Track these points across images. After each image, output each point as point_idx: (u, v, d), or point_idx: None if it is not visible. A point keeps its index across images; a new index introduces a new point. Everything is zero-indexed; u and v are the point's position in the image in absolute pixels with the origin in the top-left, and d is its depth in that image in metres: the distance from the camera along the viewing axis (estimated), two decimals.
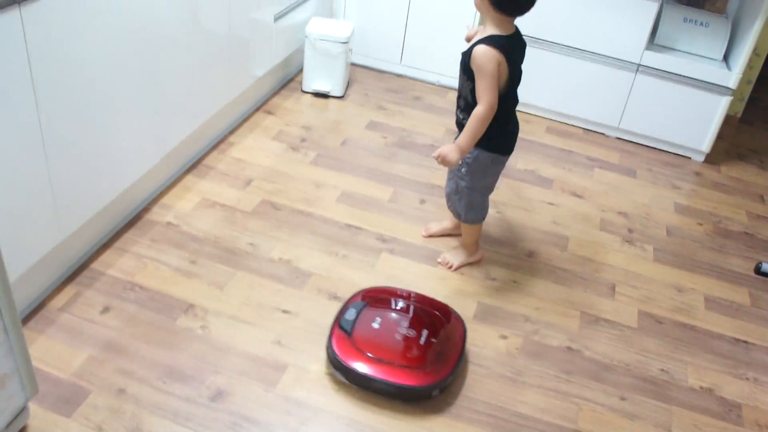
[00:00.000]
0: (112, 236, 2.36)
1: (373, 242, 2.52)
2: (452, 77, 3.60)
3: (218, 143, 2.93)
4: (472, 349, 2.15)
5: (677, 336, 2.34)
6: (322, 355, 2.06)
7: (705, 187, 3.22)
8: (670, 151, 3.43)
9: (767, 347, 2.35)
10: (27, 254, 1.92)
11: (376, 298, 2.16)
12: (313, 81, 3.38)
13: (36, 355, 1.89)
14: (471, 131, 2.11)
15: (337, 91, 3.40)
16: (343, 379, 1.98)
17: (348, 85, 3.52)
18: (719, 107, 3.24)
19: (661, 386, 2.14)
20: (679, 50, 3.31)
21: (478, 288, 2.40)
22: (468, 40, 2.19)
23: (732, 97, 3.22)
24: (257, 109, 3.22)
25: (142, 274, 2.24)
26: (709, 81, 3.20)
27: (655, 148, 3.44)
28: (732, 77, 3.16)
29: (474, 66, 2.07)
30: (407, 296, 2.19)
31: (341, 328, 2.03)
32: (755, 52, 3.62)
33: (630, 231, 2.81)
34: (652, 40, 3.31)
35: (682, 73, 3.22)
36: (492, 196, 2.41)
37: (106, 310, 2.09)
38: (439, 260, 2.50)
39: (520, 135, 2.32)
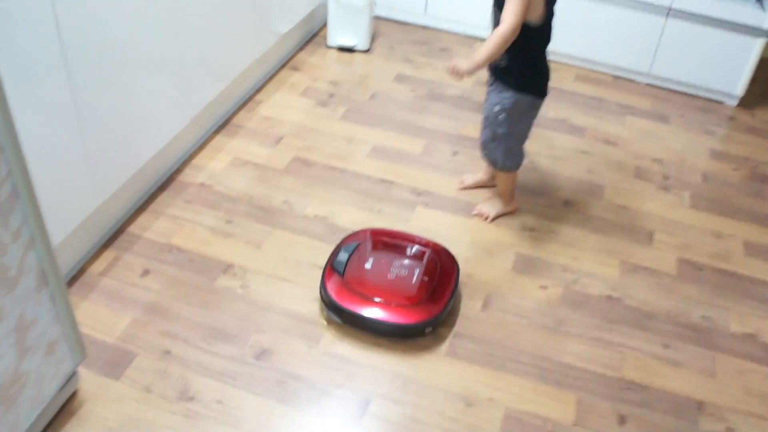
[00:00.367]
0: (147, 199, 2.35)
1: (407, 196, 2.50)
2: (478, 27, 3.55)
3: (246, 102, 2.90)
4: (512, 300, 2.14)
5: (717, 282, 2.31)
6: None
7: (739, 131, 3.16)
8: (702, 96, 3.37)
9: None
10: (66, 221, 1.92)
11: (369, 239, 2.16)
12: (338, 36, 3.33)
13: (81, 321, 1.88)
14: (488, 47, 2.00)
15: (362, 45, 3.35)
16: (337, 320, 1.99)
17: (373, 39, 3.47)
18: (753, 50, 3.16)
19: (703, 333, 2.12)
20: None
21: (515, 239, 2.37)
22: None
23: (767, 39, 3.14)
24: (283, 66, 3.18)
25: (178, 235, 2.23)
26: (743, 23, 3.12)
27: (687, 94, 3.38)
28: (767, 18, 3.08)
29: None
30: (400, 236, 2.19)
31: (334, 269, 2.04)
32: None
33: (665, 178, 2.77)
34: None
35: (715, 16, 3.13)
36: (525, 146, 2.37)
37: (146, 273, 2.09)
38: (475, 212, 2.47)
39: (551, 85, 2.27)
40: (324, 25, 3.53)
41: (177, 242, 2.21)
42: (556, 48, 3.37)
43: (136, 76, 2.07)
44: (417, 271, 2.06)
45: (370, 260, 2.08)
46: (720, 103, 3.35)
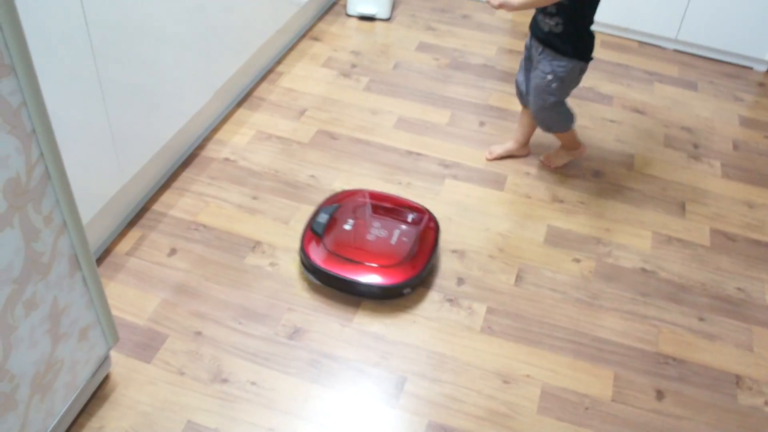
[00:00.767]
0: (170, 176, 2.31)
1: (435, 168, 2.46)
2: None
3: (267, 74, 2.85)
4: (546, 274, 2.11)
5: (751, 253, 2.27)
6: None
7: None
8: (730, 61, 3.29)
9: None
10: (93, 200, 1.88)
11: (350, 200, 2.14)
12: (358, 4, 3.26)
13: (110, 303, 1.86)
14: None
15: (383, 13, 3.28)
16: (315, 281, 1.98)
17: (393, 7, 3.40)
18: None
19: (738, 305, 2.08)
20: None
21: (546, 211, 2.33)
22: None
23: None
24: (303, 37, 3.12)
25: (204, 213, 2.20)
26: None
27: (714, 59, 3.31)
28: None
29: None
30: (381, 197, 2.17)
31: (313, 231, 2.03)
32: None
33: (695, 146, 2.72)
34: None
35: None
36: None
37: (173, 252, 2.06)
38: (542, 158, 2.53)
39: None
40: None
41: (203, 220, 2.17)
42: None
43: (159, 50, 2.02)
44: (396, 232, 2.04)
45: (350, 221, 2.06)
46: (748, 68, 3.28)
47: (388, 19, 3.32)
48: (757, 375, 1.89)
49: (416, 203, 2.18)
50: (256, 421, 1.66)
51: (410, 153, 2.51)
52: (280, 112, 2.65)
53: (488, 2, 2.06)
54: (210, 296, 1.94)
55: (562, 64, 2.15)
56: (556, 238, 2.24)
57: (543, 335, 1.94)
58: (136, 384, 1.71)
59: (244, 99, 2.69)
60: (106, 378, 1.70)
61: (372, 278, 1.93)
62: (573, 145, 2.47)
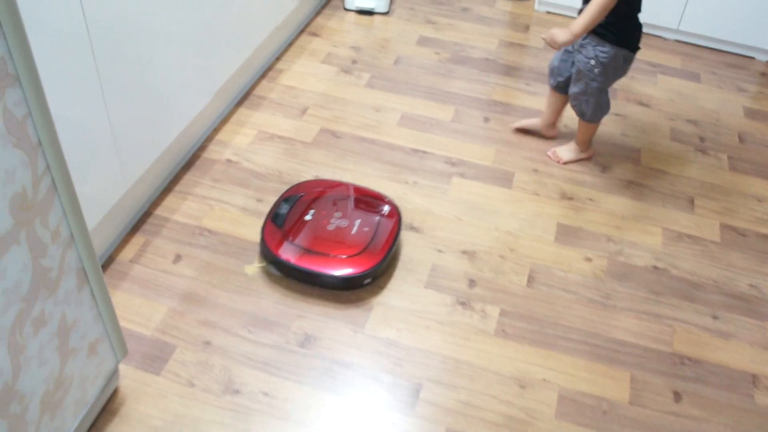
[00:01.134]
0: (172, 179, 2.26)
1: (441, 166, 2.41)
2: None
3: (266, 71, 2.79)
4: (558, 274, 2.07)
5: (762, 249, 2.24)
6: (407, 290, 1.98)
7: None
8: (732, 51, 3.26)
9: None
10: (96, 208, 1.83)
11: (312, 190, 2.12)
12: None
13: (116, 312, 1.82)
14: (589, 16, 2.02)
15: (381, 7, 3.23)
16: (275, 272, 1.96)
17: (392, 0, 3.34)
18: None
19: (752, 302, 2.06)
20: None
21: (555, 209, 2.29)
22: None
23: None
24: (301, 32, 3.07)
25: (208, 217, 2.14)
26: None
27: (716, 50, 3.27)
28: None
29: None
30: (343, 187, 2.16)
31: (273, 222, 2.01)
32: None
33: (702, 140, 2.68)
34: None
35: None
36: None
37: (178, 258, 2.01)
38: (549, 153, 2.50)
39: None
40: None
41: (208, 224, 2.12)
42: (579, 4, 3.27)
43: (159, 51, 1.97)
44: (357, 222, 2.02)
45: (311, 212, 2.04)
46: (750, 58, 3.25)
47: (386, 13, 3.27)
48: None
49: (379, 192, 2.17)
50: None
51: (416, 151, 2.46)
52: (282, 110, 2.59)
53: (548, 43, 2.10)
54: (218, 304, 1.90)
55: (605, 50, 2.17)
56: (566, 237, 2.20)
57: (558, 337, 1.90)
58: (146, 397, 1.66)
59: (244, 98, 2.63)
60: (115, 392, 1.65)
61: (331, 269, 1.91)
62: (587, 142, 2.46)
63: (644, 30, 3.27)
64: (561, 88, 2.39)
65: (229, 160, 2.35)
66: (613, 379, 1.82)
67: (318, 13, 3.22)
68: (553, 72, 2.40)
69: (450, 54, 3.02)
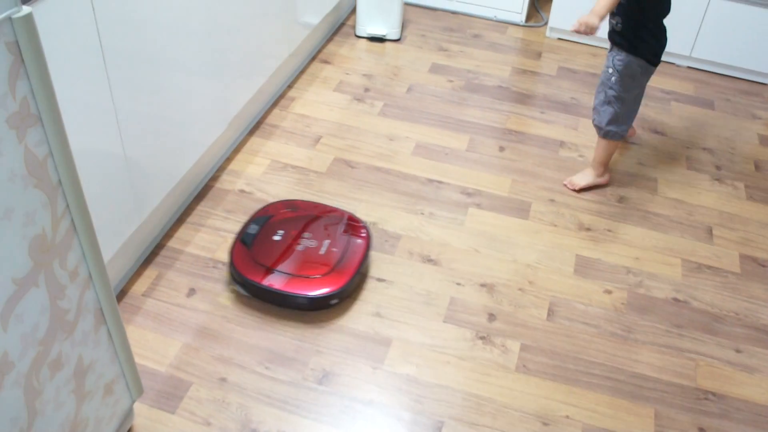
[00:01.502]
0: (185, 210, 2.23)
1: (457, 197, 2.38)
2: (509, 11, 3.42)
3: (278, 99, 2.77)
4: (578, 307, 2.03)
5: None
6: (426, 325, 1.94)
7: None
8: (745, 78, 3.24)
9: None
10: (110, 242, 1.79)
11: (282, 211, 2.12)
12: (368, 25, 3.19)
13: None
14: None
15: (393, 34, 3.21)
16: (243, 292, 1.95)
17: (403, 27, 3.33)
18: None
19: None
20: None
21: (572, 240, 2.26)
22: None
23: None
24: (313, 59, 3.05)
25: (222, 249, 2.11)
26: None
27: (729, 76, 3.25)
28: None
29: None
30: (313, 208, 2.15)
31: (242, 242, 2.01)
32: None
33: (718, 168, 2.65)
34: None
35: None
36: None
37: (191, 292, 1.98)
38: (565, 182, 2.49)
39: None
40: (351, 13, 3.40)
41: (221, 256, 2.09)
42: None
43: (174, 82, 1.95)
44: (326, 243, 2.01)
45: (280, 232, 2.03)
46: (764, 84, 3.22)
47: (398, 40, 3.25)
48: None
49: (350, 213, 2.16)
50: None
51: (431, 181, 2.44)
52: (295, 139, 2.57)
53: (576, 31, 2.10)
54: (233, 339, 1.86)
55: (620, 58, 2.24)
56: (585, 269, 2.17)
57: (579, 372, 1.86)
58: None
59: (256, 127, 2.61)
60: (129, 431, 1.61)
61: (298, 289, 1.90)
62: (604, 165, 2.46)
63: None
64: None
65: (242, 191, 2.32)
66: (637, 416, 1.78)
67: (329, 39, 3.21)
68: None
69: (463, 82, 3.00)
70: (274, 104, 2.74)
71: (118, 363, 1.46)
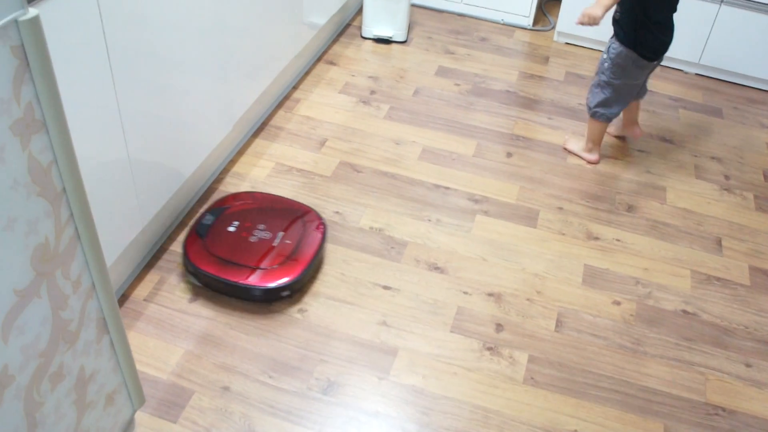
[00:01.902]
0: (188, 213, 2.19)
1: (465, 203, 2.35)
2: (517, 15, 3.38)
3: (283, 101, 2.73)
4: (587, 318, 2.00)
5: None
6: (432, 334, 1.91)
7: None
8: (754, 86, 3.20)
9: None
10: (112, 247, 1.76)
11: (240, 202, 2.11)
12: (374, 26, 3.15)
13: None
14: None
15: (399, 36, 3.17)
16: (196, 282, 1.96)
17: (409, 29, 3.29)
18: None
19: None
20: None
21: (581, 249, 2.23)
22: None
23: None
24: (318, 60, 3.01)
25: None
26: None
27: (738, 84, 3.22)
28: None
29: None
30: (269, 199, 2.15)
31: (196, 232, 2.00)
32: None
33: (726, 177, 2.62)
34: None
35: None
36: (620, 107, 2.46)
37: (194, 297, 1.94)
38: (565, 136, 2.69)
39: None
40: (357, 14, 3.36)
41: None
42: (600, 37, 3.22)
43: (179, 83, 1.91)
44: (280, 234, 2.00)
45: (235, 223, 2.02)
46: None
47: (404, 42, 3.21)
48: None
49: (307, 206, 2.15)
50: None
51: (438, 186, 2.40)
52: (300, 142, 2.53)
53: (580, 23, 2.23)
54: (236, 346, 1.82)
55: (614, 47, 2.33)
56: (594, 279, 2.13)
57: (588, 385, 1.83)
58: None
59: (260, 128, 2.57)
60: None
61: (249, 280, 1.89)
62: (591, 143, 2.57)
63: (664, 63, 3.27)
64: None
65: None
66: (645, 431, 1.75)
67: (335, 40, 3.17)
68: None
69: (470, 85, 2.96)
70: (279, 105, 2.70)
71: (120, 373, 1.42)
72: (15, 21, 0.94)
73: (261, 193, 2.18)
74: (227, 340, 1.84)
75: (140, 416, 1.63)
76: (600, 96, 2.42)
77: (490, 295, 2.04)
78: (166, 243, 2.09)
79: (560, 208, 2.37)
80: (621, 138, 2.75)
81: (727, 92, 3.16)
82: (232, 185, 2.31)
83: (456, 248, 2.17)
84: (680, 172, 2.62)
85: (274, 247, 1.97)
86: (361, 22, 3.23)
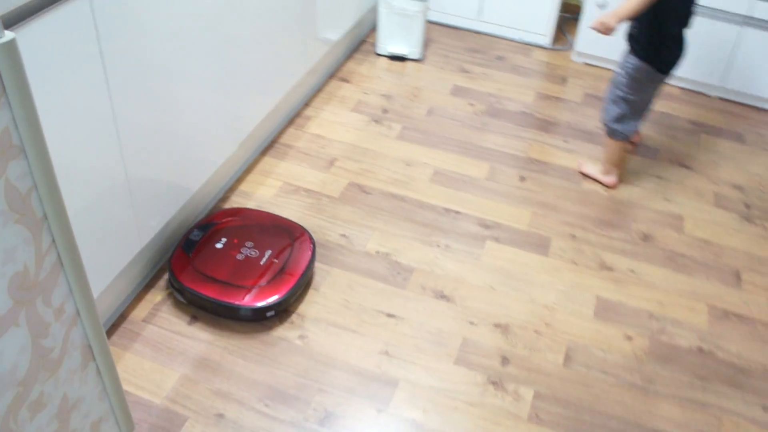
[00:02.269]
0: None
1: (475, 229, 2.29)
2: (536, 33, 3.33)
3: (294, 118, 2.68)
4: (597, 354, 1.93)
5: None
6: (435, 366, 1.85)
7: None
8: None
9: None
10: (109, 268, 1.72)
11: (229, 219, 2.06)
12: (389, 43, 3.11)
13: (124, 376, 1.70)
14: (632, 2, 2.12)
15: (415, 53, 3.13)
16: (181, 299, 1.92)
17: (425, 46, 3.24)
18: None
19: None
20: None
21: (594, 280, 2.16)
22: None
23: None
24: (331, 77, 2.96)
25: None
26: None
27: (762, 109, 3.14)
28: None
29: None
30: (259, 216, 2.10)
31: (183, 249, 1.96)
32: None
33: (747, 207, 2.54)
34: None
35: None
36: (637, 122, 2.42)
37: (193, 320, 1.89)
38: (580, 161, 2.62)
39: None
40: (371, 31, 3.31)
41: None
42: (616, 57, 3.15)
43: (182, 99, 1.87)
44: (268, 253, 1.95)
45: (223, 240, 1.98)
46: None
47: (419, 60, 3.16)
48: None
49: (297, 224, 2.10)
50: None
51: (448, 211, 2.34)
52: (309, 161, 2.48)
53: (594, 29, 2.20)
54: (234, 372, 1.77)
55: (630, 61, 2.31)
56: (606, 312, 2.06)
57: (595, 426, 1.76)
58: None
59: (269, 146, 2.53)
60: None
61: (233, 299, 1.84)
62: (608, 165, 2.52)
63: (686, 86, 3.20)
64: None
65: None
66: None
67: (349, 57, 3.12)
68: None
69: (485, 106, 2.90)
70: (290, 123, 2.65)
71: (107, 400, 1.37)
72: None
73: (252, 209, 2.14)
74: (224, 365, 1.79)
75: None
76: (616, 111, 2.40)
77: (497, 326, 1.98)
78: (167, 263, 2.04)
79: (573, 236, 2.30)
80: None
81: (750, 117, 3.08)
82: (237, 204, 2.26)
83: (464, 276, 2.11)
84: (699, 201, 2.54)
85: (260, 265, 1.92)
86: (375, 39, 3.18)
